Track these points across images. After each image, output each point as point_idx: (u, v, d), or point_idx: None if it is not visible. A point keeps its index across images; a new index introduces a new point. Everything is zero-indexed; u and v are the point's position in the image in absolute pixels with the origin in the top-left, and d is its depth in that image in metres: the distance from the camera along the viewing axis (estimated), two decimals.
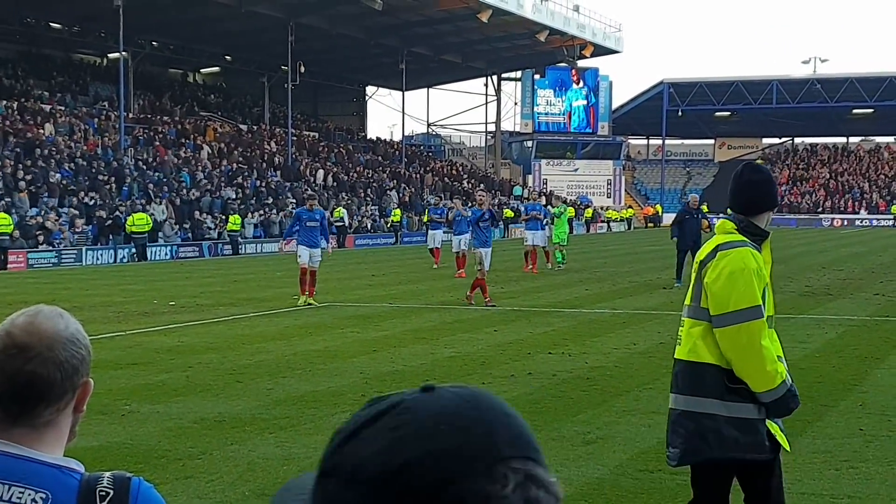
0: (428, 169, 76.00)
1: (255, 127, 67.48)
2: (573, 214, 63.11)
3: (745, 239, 4.86)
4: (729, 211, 5.10)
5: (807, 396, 10.83)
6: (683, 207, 27.24)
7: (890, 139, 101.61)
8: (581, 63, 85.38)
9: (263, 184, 55.37)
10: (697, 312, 4.85)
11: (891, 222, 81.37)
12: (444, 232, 35.69)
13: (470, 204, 29.15)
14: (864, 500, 7.27)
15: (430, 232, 36.54)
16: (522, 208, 58.49)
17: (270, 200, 53.17)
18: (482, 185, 76.52)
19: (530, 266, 30.25)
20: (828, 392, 11.20)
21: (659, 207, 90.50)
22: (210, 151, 56.90)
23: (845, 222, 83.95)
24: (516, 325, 17.82)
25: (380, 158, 73.54)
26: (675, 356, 4.99)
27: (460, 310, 20.34)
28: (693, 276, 5.05)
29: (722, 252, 4.80)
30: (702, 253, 5.00)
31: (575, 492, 7.50)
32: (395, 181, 67.66)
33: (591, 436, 9.23)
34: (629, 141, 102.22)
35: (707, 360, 4.75)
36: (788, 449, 4.91)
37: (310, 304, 21.12)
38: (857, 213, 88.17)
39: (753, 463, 4.79)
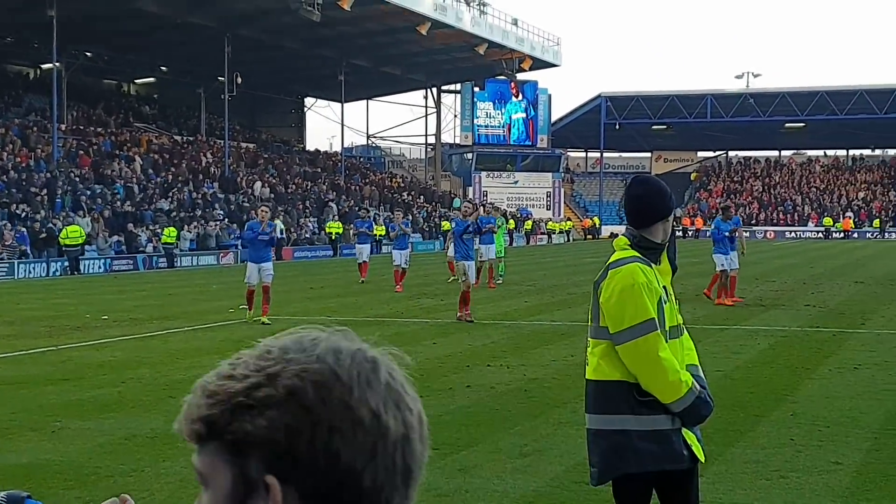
0: (367, 181, 75.87)
1: (191, 138, 66.91)
2: (514, 227, 63.45)
3: (635, 254, 4.94)
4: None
5: (739, 406, 10.99)
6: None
7: (821, 153, 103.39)
8: (520, 76, 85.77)
9: (200, 196, 54.91)
10: (598, 332, 4.95)
11: (821, 234, 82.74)
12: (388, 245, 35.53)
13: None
14: None
15: (357, 245, 34.97)
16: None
17: (206, 213, 52.73)
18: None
19: (489, 280, 29.54)
20: (760, 402, 11.32)
21: (597, 219, 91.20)
22: (144, 163, 56.30)
23: (778, 234, 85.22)
24: (456, 337, 17.81)
25: (319, 170, 73.28)
26: (586, 376, 5.04)
27: (399, 323, 20.30)
28: (592, 295, 5.14)
29: (613, 271, 4.91)
30: (599, 273, 5.10)
31: None
32: (334, 193, 67.45)
33: (528, 448, 9.24)
34: (568, 153, 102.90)
35: (613, 377, 4.83)
36: (703, 460, 4.97)
37: (264, 322, 19.73)
38: (792, 225, 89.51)
39: (672, 474, 4.85)
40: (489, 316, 21.37)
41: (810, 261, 43.44)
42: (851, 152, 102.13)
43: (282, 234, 51.21)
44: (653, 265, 4.96)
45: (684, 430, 4.84)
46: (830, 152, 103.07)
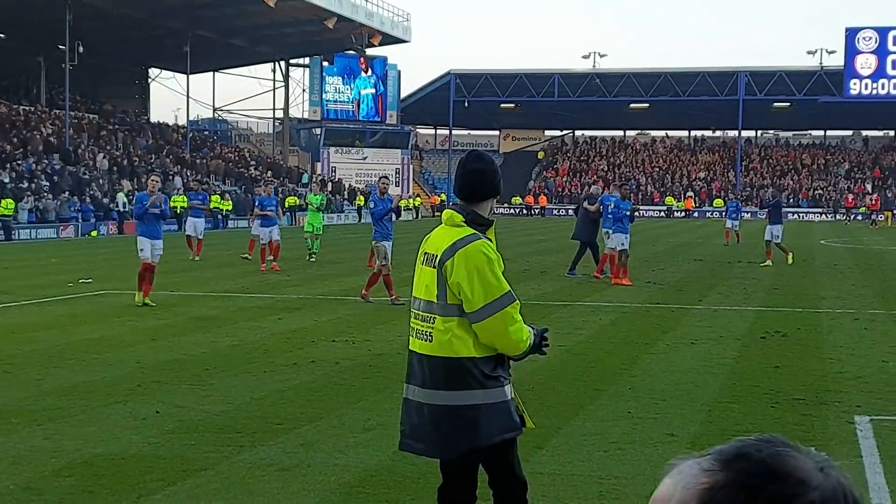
0: (214, 155, 74.55)
1: (31, 109, 64.54)
2: (364, 202, 63.13)
3: (473, 231, 5.00)
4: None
5: (580, 380, 11.20)
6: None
7: (664, 133, 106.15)
8: (370, 51, 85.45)
9: (39, 168, 53.07)
10: (447, 310, 4.96)
11: (663, 214, 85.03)
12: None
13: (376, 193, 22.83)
14: (631, 480, 7.52)
15: (189, 219, 32.64)
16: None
17: (46, 185, 51.02)
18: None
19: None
20: (599, 376, 11.56)
21: (444, 196, 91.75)
22: None
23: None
24: (301, 313, 17.68)
25: (163, 143, 71.63)
26: (423, 352, 5.04)
27: (244, 298, 20.03)
28: (426, 268, 5.12)
29: (461, 251, 4.92)
30: (436, 248, 5.08)
31: (353, 478, 7.49)
32: (178, 166, 66.05)
33: (372, 423, 9.23)
34: (417, 130, 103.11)
35: (463, 353, 4.89)
36: (533, 426, 5.19)
37: (147, 304, 18.21)
38: (636, 203, 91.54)
39: (502, 442, 4.94)
40: (336, 292, 21.27)
41: (652, 239, 44.61)
42: (693, 133, 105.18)
43: (123, 207, 49.97)
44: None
45: (517, 398, 5.01)
46: (673, 133, 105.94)
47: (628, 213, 23.38)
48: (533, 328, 5.15)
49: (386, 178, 21.06)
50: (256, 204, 29.23)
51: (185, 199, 55.18)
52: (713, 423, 9.29)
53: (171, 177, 62.36)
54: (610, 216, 23.50)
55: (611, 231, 23.34)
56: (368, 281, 19.37)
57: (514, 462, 5.12)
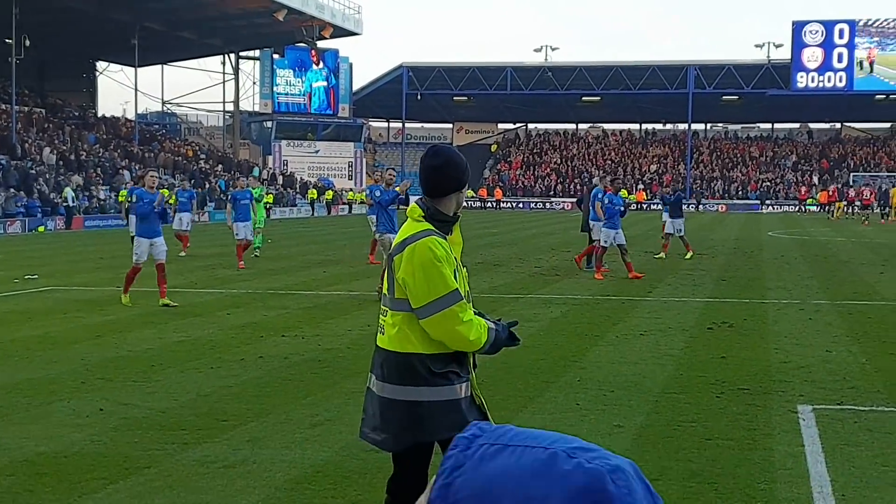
0: (163, 148, 73.89)
1: None
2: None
3: (429, 227, 5.02)
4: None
5: (530, 373, 11.21)
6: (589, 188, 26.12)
7: (616, 126, 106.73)
8: (321, 44, 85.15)
9: None
10: (396, 304, 5.00)
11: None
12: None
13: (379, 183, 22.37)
14: None
15: (177, 214, 31.55)
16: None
17: None
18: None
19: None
20: (549, 368, 11.58)
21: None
22: None
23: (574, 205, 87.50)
24: (250, 308, 17.55)
25: (111, 137, 70.91)
26: (380, 345, 5.09)
27: (192, 293, 19.87)
28: (388, 267, 5.21)
29: (409, 246, 4.95)
30: (394, 243, 5.16)
31: (299, 474, 7.44)
32: (127, 160, 65.42)
33: (319, 418, 9.18)
34: (370, 123, 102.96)
35: (412, 349, 4.93)
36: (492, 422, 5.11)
37: (166, 304, 17.52)
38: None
39: (449, 439, 4.93)
40: (286, 286, 21.16)
41: None
42: (644, 126, 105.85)
43: (70, 202, 49.44)
44: (446, 237, 5.02)
45: (478, 396, 5.00)
46: (625, 126, 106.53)
47: (621, 208, 23.07)
48: (499, 322, 5.15)
49: (393, 169, 20.93)
50: (230, 199, 27.96)
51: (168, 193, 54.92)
52: (660, 413, 9.34)
53: (119, 171, 61.81)
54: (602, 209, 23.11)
55: (600, 225, 23.08)
56: (382, 276, 18.81)
57: None
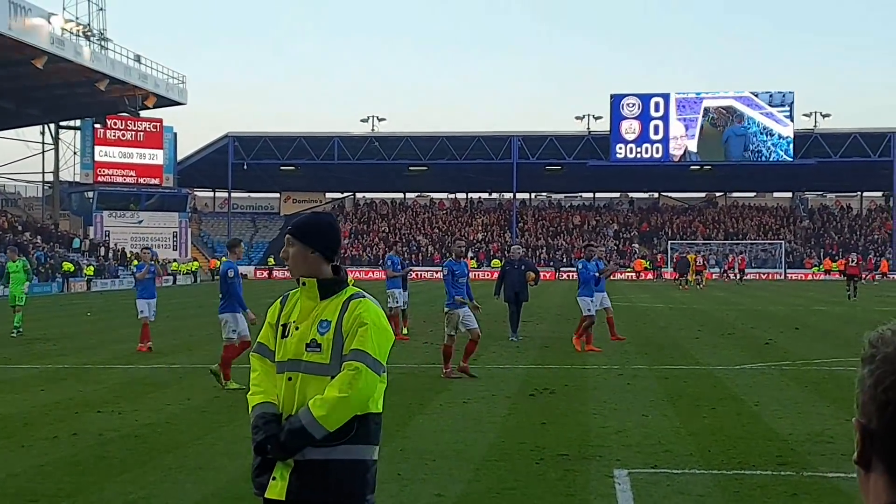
0: None
1: None
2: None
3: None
4: None
5: None
6: (506, 260, 26.39)
7: (443, 195, 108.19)
8: (144, 113, 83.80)
9: None
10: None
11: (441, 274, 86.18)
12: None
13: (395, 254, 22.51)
14: None
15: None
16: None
17: None
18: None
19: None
20: None
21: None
22: None
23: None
24: (66, 383, 16.97)
25: None
26: None
27: (5, 369, 19.09)
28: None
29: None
30: None
31: None
32: None
33: (134, 496, 8.91)
34: (195, 193, 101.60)
35: None
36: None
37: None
38: (417, 264, 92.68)
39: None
40: (104, 361, 20.56)
41: (432, 300, 45.03)
42: (471, 195, 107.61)
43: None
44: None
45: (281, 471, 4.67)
46: (451, 195, 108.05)
47: (596, 273, 22.57)
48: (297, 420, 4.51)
49: (461, 239, 20.16)
50: (134, 272, 25.46)
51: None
52: (480, 481, 9.41)
53: None
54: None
55: (578, 297, 22.55)
56: (465, 350, 17.66)
57: None
